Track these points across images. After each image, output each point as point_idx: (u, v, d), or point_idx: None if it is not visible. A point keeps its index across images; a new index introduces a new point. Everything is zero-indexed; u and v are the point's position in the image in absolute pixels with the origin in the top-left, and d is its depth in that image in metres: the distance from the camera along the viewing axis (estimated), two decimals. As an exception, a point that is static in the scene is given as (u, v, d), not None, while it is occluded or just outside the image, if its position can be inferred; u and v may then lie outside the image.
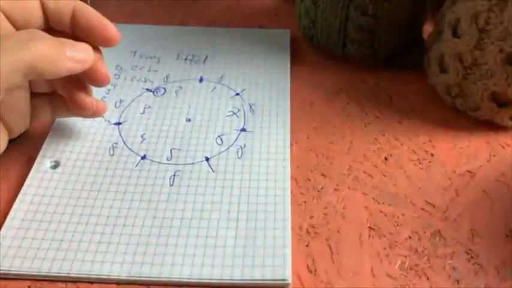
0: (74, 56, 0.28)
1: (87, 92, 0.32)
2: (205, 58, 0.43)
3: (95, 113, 0.33)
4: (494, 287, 0.27)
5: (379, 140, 0.36)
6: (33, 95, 0.32)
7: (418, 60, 0.40)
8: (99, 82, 0.31)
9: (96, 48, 0.30)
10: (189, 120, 0.37)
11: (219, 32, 0.46)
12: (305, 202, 0.32)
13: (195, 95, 0.39)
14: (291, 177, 0.33)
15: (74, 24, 0.30)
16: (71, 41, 0.28)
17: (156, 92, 0.40)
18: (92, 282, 0.27)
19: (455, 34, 0.34)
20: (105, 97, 0.39)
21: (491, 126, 0.36)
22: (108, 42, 0.30)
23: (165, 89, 0.40)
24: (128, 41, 0.45)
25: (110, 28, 0.30)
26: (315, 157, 0.34)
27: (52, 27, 0.30)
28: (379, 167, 0.34)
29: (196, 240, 0.29)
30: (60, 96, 0.33)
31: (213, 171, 0.33)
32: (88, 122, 0.36)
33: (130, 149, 0.35)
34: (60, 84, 0.32)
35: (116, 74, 0.41)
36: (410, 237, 0.29)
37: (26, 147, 0.35)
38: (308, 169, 0.34)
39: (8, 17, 0.29)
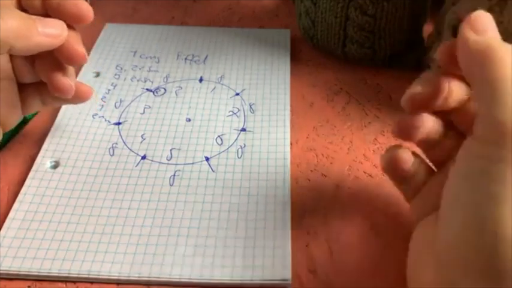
0: (46, 31, 0.28)
1: (65, 73, 0.31)
2: (205, 58, 0.43)
3: (79, 97, 0.32)
4: (494, 287, 0.27)
5: (379, 140, 0.36)
6: (21, 85, 0.32)
7: (418, 60, 0.40)
8: (75, 60, 0.30)
9: (71, 28, 0.30)
10: (189, 120, 0.37)
11: (219, 32, 0.46)
12: (305, 202, 0.32)
13: (195, 95, 0.39)
14: (291, 177, 0.33)
15: (45, 4, 0.30)
16: (42, 18, 0.28)
17: (156, 92, 0.40)
18: (92, 282, 0.27)
19: (455, 34, 0.34)
20: (105, 97, 0.39)
21: (491, 126, 0.36)
22: (80, 19, 0.30)
23: (165, 89, 0.40)
24: (128, 41, 0.45)
25: (81, 4, 0.30)
26: (315, 157, 0.34)
27: (25, 8, 0.30)
28: (379, 167, 0.34)
29: (196, 240, 0.29)
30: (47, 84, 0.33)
31: (213, 171, 0.33)
32: (88, 122, 0.36)
33: (130, 149, 0.35)
34: (39, 67, 0.32)
35: (116, 74, 0.41)
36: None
37: (26, 147, 0.35)
38: (308, 169, 0.34)
39: None
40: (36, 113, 0.37)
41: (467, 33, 0.23)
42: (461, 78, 0.24)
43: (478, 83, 0.22)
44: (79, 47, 0.30)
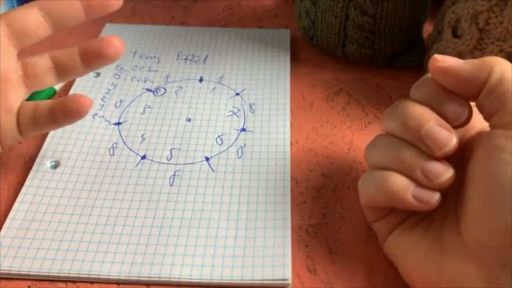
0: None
1: None
2: (205, 58, 0.43)
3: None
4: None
5: (379, 140, 0.36)
6: None
7: (418, 60, 0.40)
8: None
9: None
10: (189, 120, 0.37)
11: (219, 32, 0.46)
12: (305, 202, 0.32)
13: (195, 95, 0.39)
14: (291, 177, 0.33)
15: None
16: None
17: (156, 92, 0.40)
18: (92, 282, 0.27)
19: (455, 34, 0.34)
20: (105, 97, 0.39)
21: (491, 126, 0.36)
22: None
23: (165, 89, 0.40)
24: (128, 41, 0.45)
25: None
26: (315, 157, 0.34)
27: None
28: (379, 167, 0.34)
29: (196, 240, 0.29)
30: None
31: (213, 171, 0.33)
32: (88, 122, 0.36)
33: (130, 149, 0.35)
34: None
35: (115, 74, 0.41)
36: (410, 237, 0.29)
37: (26, 147, 0.35)
38: (308, 169, 0.34)
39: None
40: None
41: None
42: None
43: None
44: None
